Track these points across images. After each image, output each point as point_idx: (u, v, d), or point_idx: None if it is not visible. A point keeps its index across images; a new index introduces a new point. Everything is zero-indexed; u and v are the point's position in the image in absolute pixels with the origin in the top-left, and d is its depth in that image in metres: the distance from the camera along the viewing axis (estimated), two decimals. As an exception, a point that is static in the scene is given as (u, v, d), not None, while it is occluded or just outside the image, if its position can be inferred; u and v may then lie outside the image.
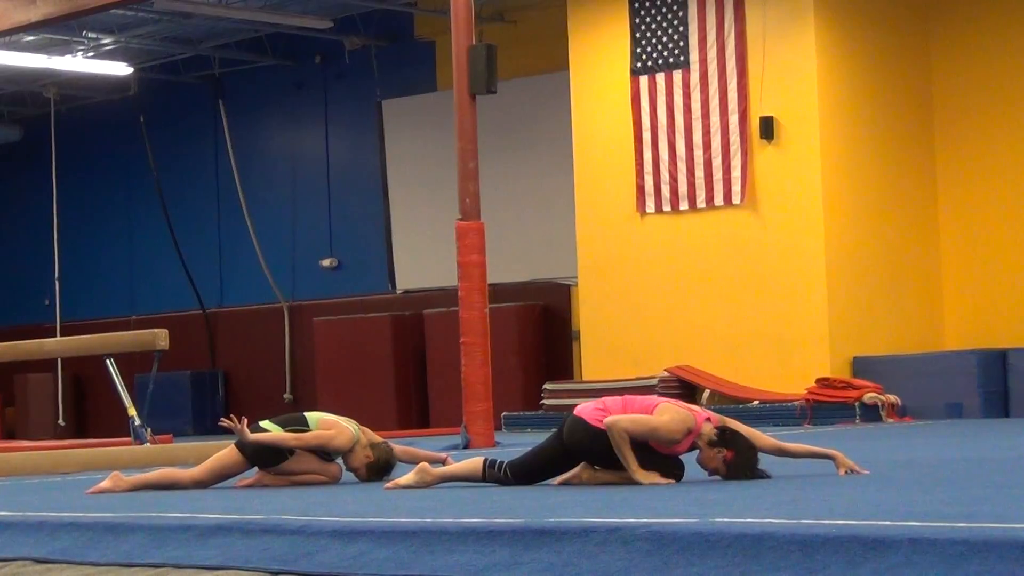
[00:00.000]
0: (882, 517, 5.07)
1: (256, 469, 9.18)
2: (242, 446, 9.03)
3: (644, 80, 19.92)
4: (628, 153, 19.99)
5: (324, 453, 9.11)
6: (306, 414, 9.21)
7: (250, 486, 9.09)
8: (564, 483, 7.91)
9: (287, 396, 25.78)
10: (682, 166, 19.57)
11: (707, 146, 19.38)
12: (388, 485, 8.13)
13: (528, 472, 7.96)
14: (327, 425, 9.08)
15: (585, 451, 7.78)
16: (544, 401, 20.38)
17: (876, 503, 5.84)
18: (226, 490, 8.73)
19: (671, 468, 7.71)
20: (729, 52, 19.26)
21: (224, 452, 9.20)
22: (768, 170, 19.09)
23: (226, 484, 9.20)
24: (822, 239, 18.76)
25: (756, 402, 18.46)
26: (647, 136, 19.85)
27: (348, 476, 9.19)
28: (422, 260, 23.89)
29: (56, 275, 27.16)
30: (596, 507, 6.18)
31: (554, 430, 7.96)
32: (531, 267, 22.74)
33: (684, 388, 19.06)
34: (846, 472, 7.73)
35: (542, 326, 22.66)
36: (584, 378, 20.48)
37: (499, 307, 20.21)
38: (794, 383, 18.46)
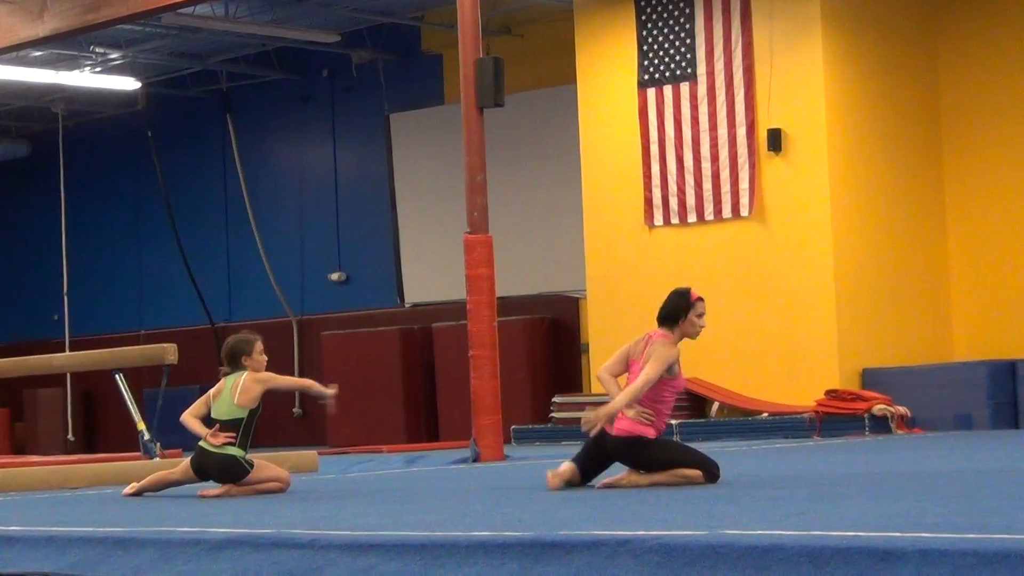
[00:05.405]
0: (892, 529, 5.07)
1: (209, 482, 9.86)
2: (201, 471, 9.88)
3: (652, 92, 19.92)
4: (636, 166, 19.98)
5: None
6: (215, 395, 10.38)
7: (217, 496, 9.59)
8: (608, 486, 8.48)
9: (296, 410, 25.76)
10: (690, 178, 19.56)
11: (715, 158, 19.38)
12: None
13: None
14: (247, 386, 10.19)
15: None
16: (553, 414, 20.36)
17: (886, 515, 5.84)
18: (236, 504, 8.72)
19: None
20: (736, 64, 19.26)
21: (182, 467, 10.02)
22: (776, 182, 19.08)
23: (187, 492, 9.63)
24: (830, 251, 18.74)
25: (765, 414, 18.44)
26: (655, 149, 19.86)
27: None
28: (431, 273, 23.89)
29: (65, 290, 27.20)
30: (606, 520, 6.18)
31: None
32: (540, 280, 22.73)
33: (693, 400, 19.04)
34: None
35: (551, 339, 22.65)
36: (593, 391, 20.45)
37: (508, 320, 20.21)
38: (803, 395, 18.44)
